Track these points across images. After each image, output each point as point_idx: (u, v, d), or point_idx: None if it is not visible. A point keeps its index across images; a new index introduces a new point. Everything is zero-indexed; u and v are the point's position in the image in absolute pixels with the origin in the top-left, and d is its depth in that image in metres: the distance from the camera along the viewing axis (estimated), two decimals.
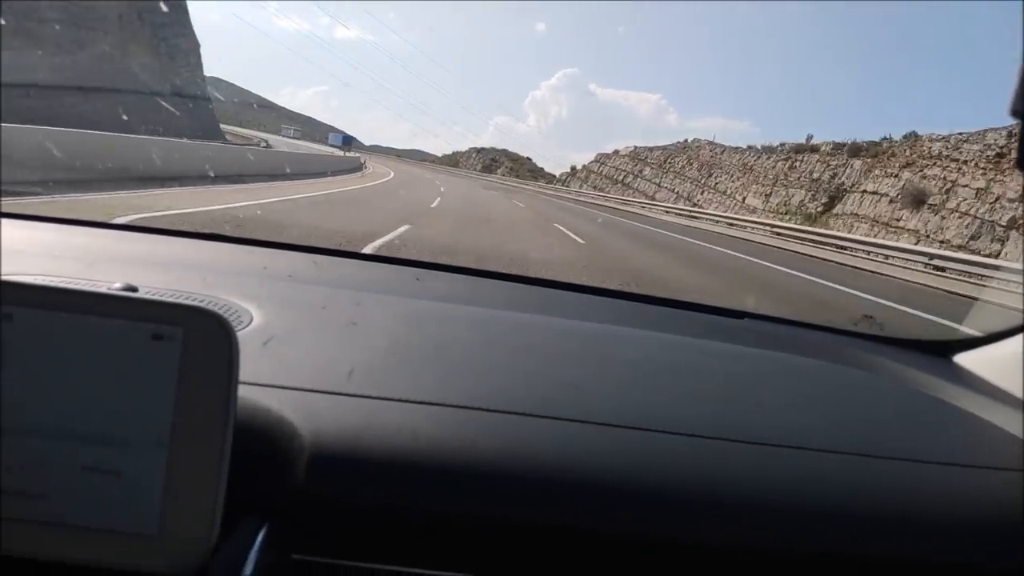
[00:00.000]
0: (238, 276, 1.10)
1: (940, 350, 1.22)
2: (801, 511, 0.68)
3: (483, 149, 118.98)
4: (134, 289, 0.86)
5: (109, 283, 0.88)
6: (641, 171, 52.72)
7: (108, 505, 0.55)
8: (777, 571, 0.66)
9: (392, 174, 33.70)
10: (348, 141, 73.54)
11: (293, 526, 0.61)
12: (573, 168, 70.02)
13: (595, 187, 56.64)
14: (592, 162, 64.54)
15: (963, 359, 1.17)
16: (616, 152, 60.94)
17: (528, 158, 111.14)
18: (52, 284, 0.59)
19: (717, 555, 0.65)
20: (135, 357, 0.55)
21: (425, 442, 0.67)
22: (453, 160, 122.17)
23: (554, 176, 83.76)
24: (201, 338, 0.56)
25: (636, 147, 58.04)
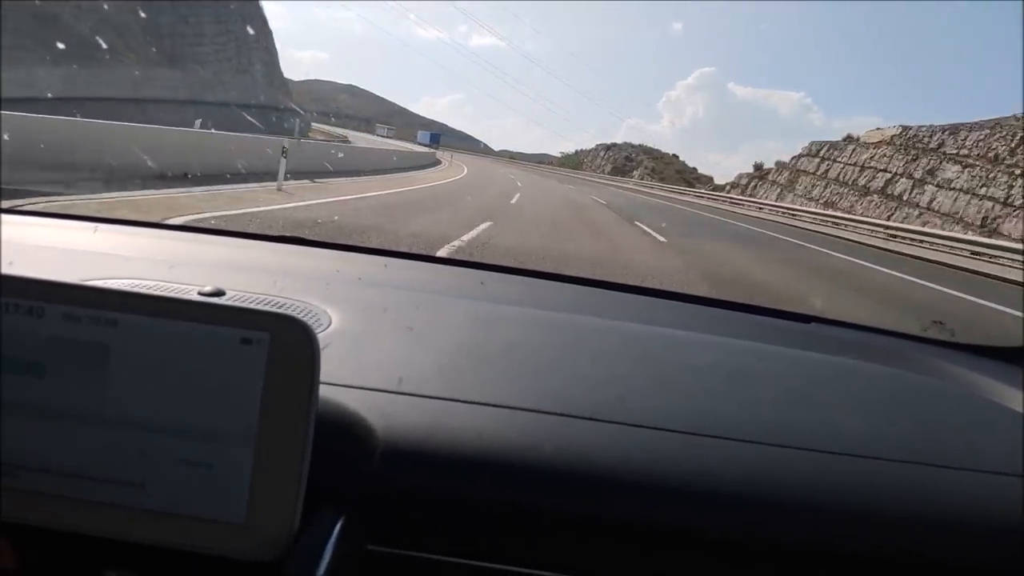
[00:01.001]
0: (315, 279, 1.15)
1: (1014, 357, 1.17)
2: (859, 517, 0.67)
3: (614, 145, 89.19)
4: (221, 292, 0.93)
5: (197, 286, 0.94)
6: (935, 168, 27.08)
7: (200, 495, 0.60)
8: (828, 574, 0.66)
9: (464, 171, 30.01)
10: (436, 139, 74.12)
11: (368, 518, 0.65)
12: (760, 168, 42.77)
13: (823, 201, 32.79)
14: (802, 157, 38.07)
15: None
16: (855, 140, 34.79)
17: (674, 155, 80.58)
18: (153, 292, 0.64)
19: (775, 556, 0.66)
20: (225, 360, 0.60)
21: (489, 442, 0.69)
22: (575, 161, 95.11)
23: (709, 180, 63.23)
24: (286, 342, 0.60)
25: (906, 127, 31.09)
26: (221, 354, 0.60)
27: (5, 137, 6.77)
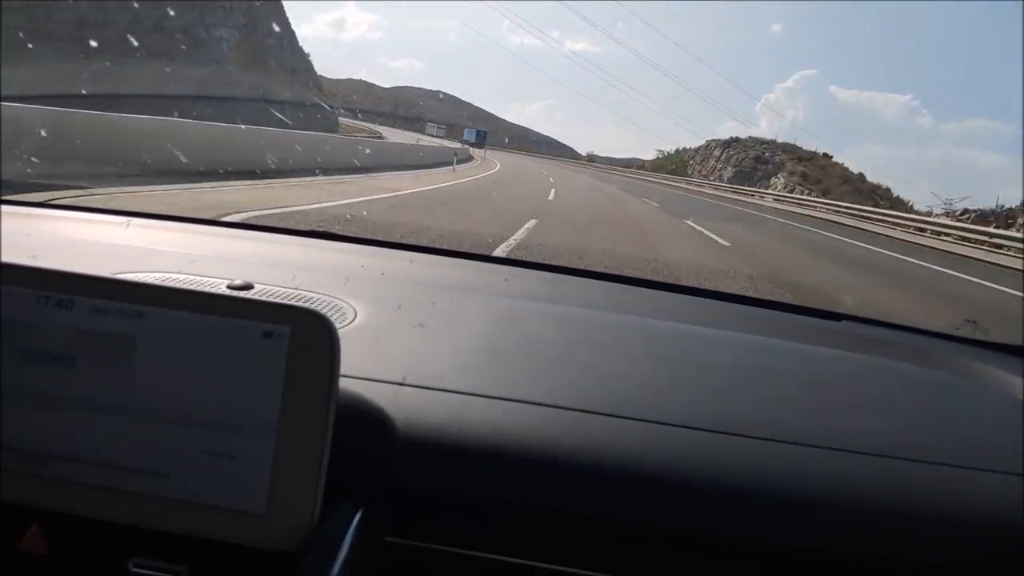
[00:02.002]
0: (342, 274, 1.16)
1: None
2: (883, 518, 0.67)
3: (735, 141, 56.55)
4: (250, 286, 0.94)
5: (226, 280, 0.96)
6: None
7: (223, 485, 0.61)
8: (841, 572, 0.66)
9: (496, 167, 27.56)
10: (483, 137, 73.00)
11: (386, 511, 0.65)
12: None
13: None
14: None
15: None
16: None
17: (826, 155, 49.71)
18: (178, 286, 0.65)
19: (793, 556, 0.66)
20: (248, 352, 0.60)
21: (506, 436, 0.70)
22: (676, 163, 62.32)
23: (884, 192, 38.84)
24: (307, 336, 0.61)
25: None
26: (243, 347, 0.61)
27: (42, 133, 6.94)
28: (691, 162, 61.62)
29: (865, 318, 1.34)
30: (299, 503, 0.60)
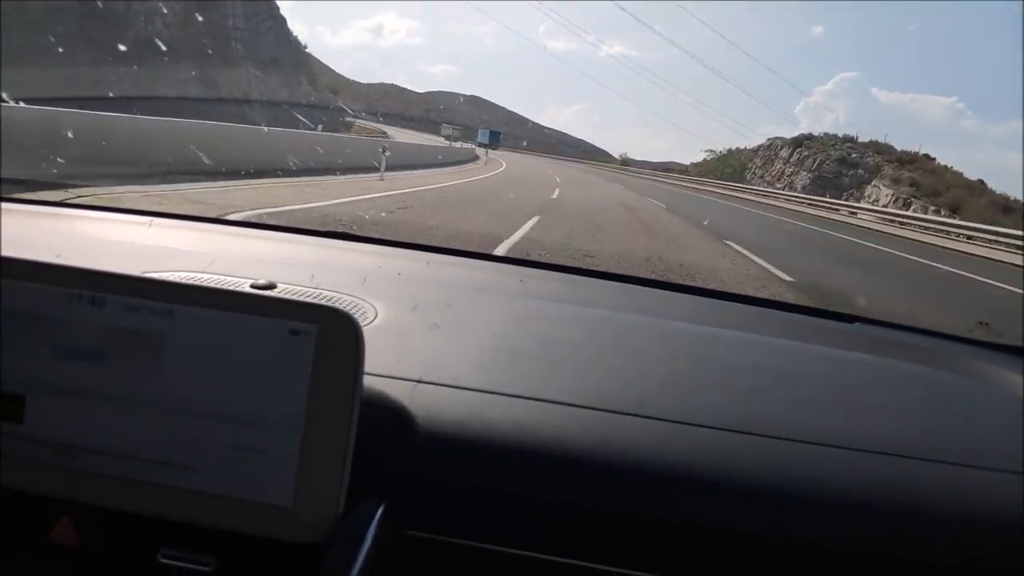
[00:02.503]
0: (362, 274, 1.18)
1: None
2: (895, 518, 0.68)
3: (809, 139, 44.81)
4: (273, 285, 0.96)
5: (250, 279, 0.98)
6: None
7: (250, 479, 0.62)
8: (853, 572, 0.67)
9: (502, 167, 26.52)
10: (496, 138, 71.56)
11: (408, 505, 0.67)
12: None
13: None
14: None
15: None
16: None
17: (931, 160, 36.42)
18: (208, 285, 0.67)
19: (807, 554, 0.66)
20: (275, 350, 0.62)
21: (526, 433, 0.71)
22: (732, 166, 50.00)
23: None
24: (332, 334, 0.62)
25: None
26: (271, 344, 0.62)
27: (67, 133, 7.07)
28: (751, 163, 49.02)
29: (878, 320, 1.34)
30: (324, 497, 0.62)
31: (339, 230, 1.54)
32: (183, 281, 0.66)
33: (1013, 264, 11.89)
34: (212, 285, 0.66)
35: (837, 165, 40.07)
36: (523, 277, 1.36)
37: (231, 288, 0.65)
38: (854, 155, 40.36)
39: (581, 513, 0.68)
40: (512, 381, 0.80)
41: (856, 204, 27.67)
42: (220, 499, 0.63)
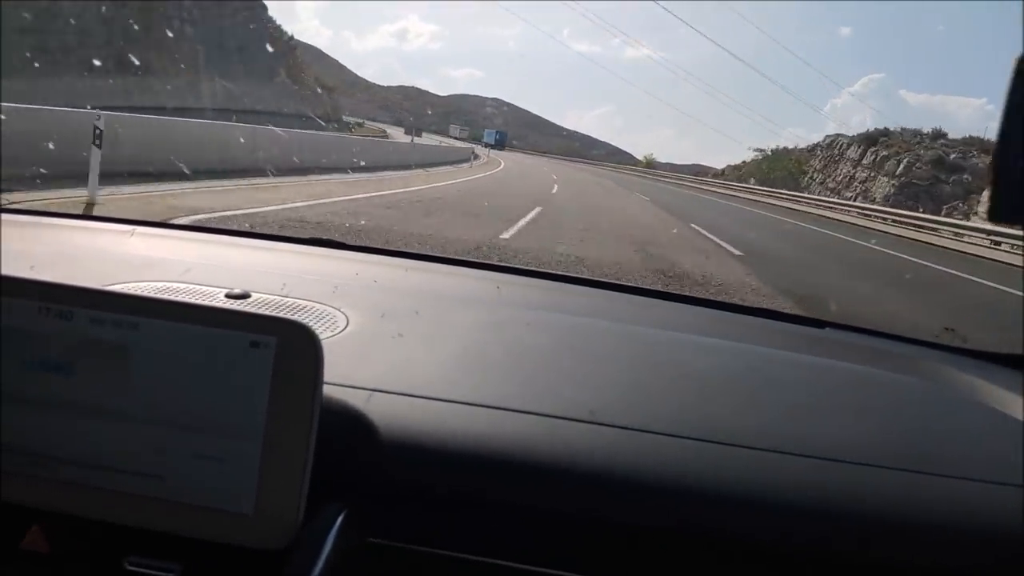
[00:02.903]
0: (337, 281, 1.19)
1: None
2: (859, 525, 0.69)
3: (885, 136, 35.19)
4: (247, 295, 0.98)
5: (225, 288, 1.00)
6: None
7: (213, 487, 0.64)
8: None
9: (499, 166, 25.50)
10: (503, 138, 68.52)
11: (369, 512, 0.69)
12: None
13: None
14: None
15: None
16: None
17: None
18: (170, 298, 0.69)
19: (769, 561, 0.68)
20: (236, 361, 0.64)
21: (488, 442, 0.73)
22: (787, 167, 41.46)
23: None
24: (292, 346, 0.64)
25: None
26: (232, 356, 0.64)
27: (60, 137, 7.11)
28: (809, 164, 40.36)
29: (848, 325, 1.37)
30: (285, 504, 0.64)
31: (323, 237, 1.55)
32: (147, 294, 0.68)
33: None
34: (175, 298, 0.68)
35: (932, 168, 31.41)
36: (501, 284, 1.38)
37: (192, 301, 0.67)
38: (953, 155, 31.33)
39: (543, 520, 0.69)
40: (478, 390, 0.82)
41: (980, 226, 17.40)
42: (184, 507, 0.64)
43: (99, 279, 1.01)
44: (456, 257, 1.57)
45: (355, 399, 0.75)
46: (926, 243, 15.82)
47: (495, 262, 1.74)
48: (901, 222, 20.34)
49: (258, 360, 0.64)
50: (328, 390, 0.67)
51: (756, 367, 1.06)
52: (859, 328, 1.37)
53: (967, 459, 0.82)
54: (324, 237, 1.56)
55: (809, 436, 0.82)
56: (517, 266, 1.56)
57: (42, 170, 6.73)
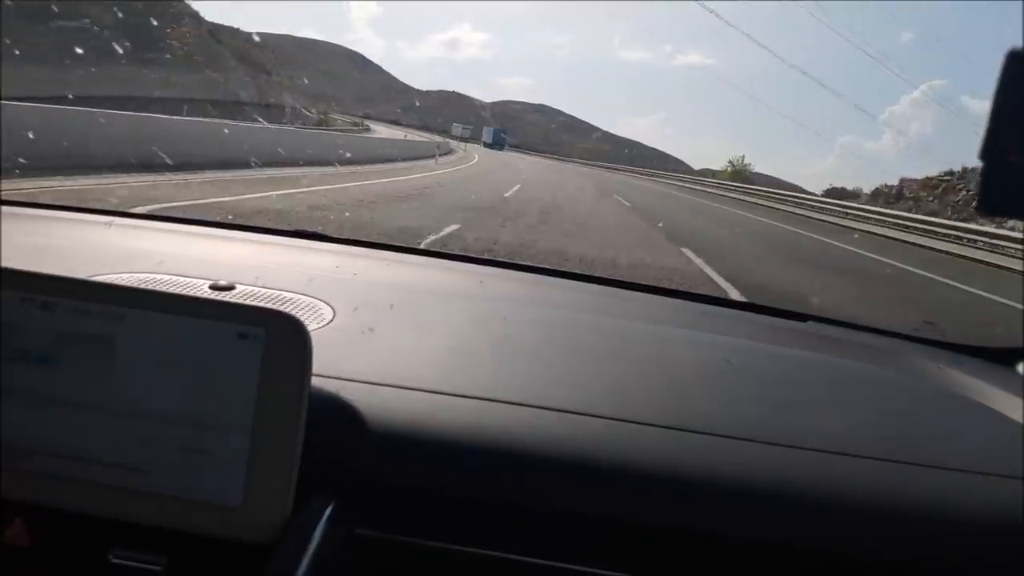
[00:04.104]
0: (323, 274, 1.19)
1: (1005, 358, 1.19)
2: (837, 515, 0.70)
3: None
4: (232, 287, 0.97)
5: (210, 280, 0.99)
6: None
7: (200, 480, 0.64)
8: (807, 573, 0.69)
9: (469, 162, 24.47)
10: (500, 137, 66.96)
11: (357, 504, 0.69)
12: None
13: None
14: None
15: None
16: None
17: None
18: (157, 289, 0.68)
19: (751, 551, 0.69)
20: (224, 353, 0.64)
21: (474, 433, 0.73)
22: None
23: None
24: (280, 337, 0.64)
25: None
26: (220, 348, 0.64)
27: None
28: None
29: (829, 319, 1.38)
30: (273, 497, 0.64)
31: (304, 229, 1.54)
32: (133, 285, 0.67)
33: None
34: (161, 289, 0.67)
35: None
36: (485, 277, 1.38)
37: (179, 292, 0.67)
38: None
39: (528, 510, 0.70)
40: (464, 382, 0.82)
41: None
42: (171, 500, 0.64)
43: (82, 270, 1.00)
44: (440, 251, 1.57)
45: (345, 390, 0.75)
46: None
47: (480, 255, 1.74)
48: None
49: (246, 352, 0.63)
50: (315, 382, 0.67)
51: (738, 359, 1.06)
52: (840, 321, 1.38)
53: (947, 449, 0.84)
54: (309, 229, 1.54)
55: (791, 427, 0.83)
56: (500, 259, 1.56)
57: None
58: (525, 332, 1.04)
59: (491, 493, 0.70)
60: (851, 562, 0.68)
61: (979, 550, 0.69)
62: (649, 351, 1.05)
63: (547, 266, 1.55)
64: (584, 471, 0.71)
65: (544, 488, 0.70)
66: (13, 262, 0.67)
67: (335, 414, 0.73)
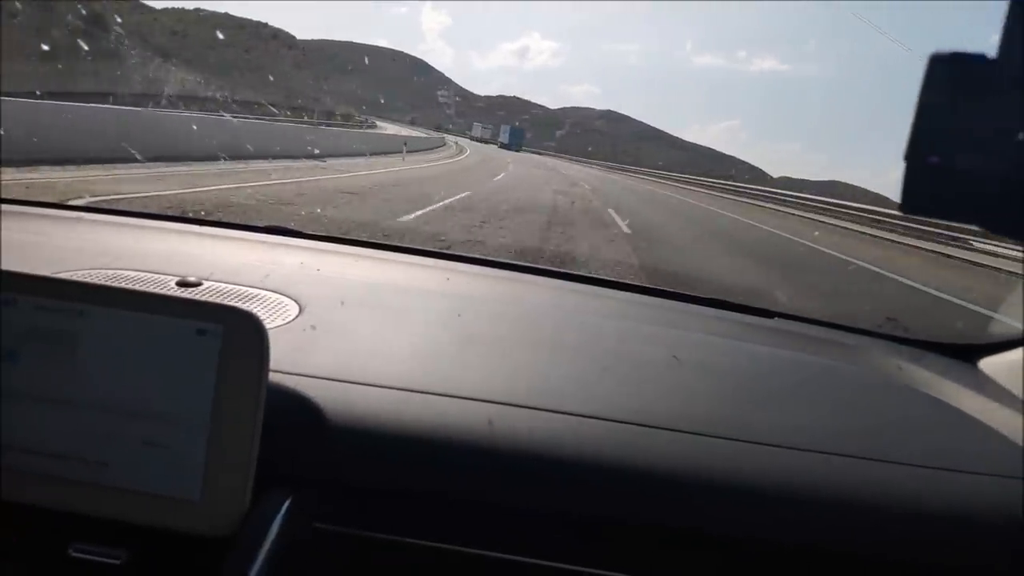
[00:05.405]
0: (290, 269, 1.20)
1: (965, 354, 1.21)
2: (800, 510, 0.72)
3: None
4: (199, 283, 0.98)
5: (177, 276, 0.99)
6: None
7: (159, 474, 0.65)
8: (768, 565, 0.71)
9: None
10: (517, 136, 61.75)
11: (315, 499, 0.70)
12: None
13: None
14: None
15: (987, 364, 1.16)
16: None
17: None
18: (117, 285, 0.69)
19: (714, 547, 0.71)
20: (183, 348, 0.65)
21: (432, 429, 0.74)
22: None
23: None
24: (238, 334, 0.65)
25: None
26: (179, 343, 0.65)
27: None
28: None
29: (795, 316, 1.40)
30: (231, 491, 0.65)
31: (278, 225, 1.54)
32: (93, 282, 0.68)
33: None
34: (122, 285, 0.68)
35: None
36: (452, 273, 1.39)
37: (139, 289, 0.67)
38: None
39: (487, 504, 0.71)
40: (427, 378, 0.83)
41: None
42: (130, 493, 0.65)
43: (50, 267, 1.00)
44: (408, 246, 1.57)
45: (306, 386, 0.76)
46: None
47: (448, 251, 1.74)
48: None
49: (204, 348, 0.64)
50: (276, 378, 0.68)
51: (708, 355, 1.08)
52: (806, 318, 1.40)
53: (906, 444, 0.86)
54: (281, 225, 1.55)
55: (754, 423, 0.84)
56: (468, 255, 1.57)
57: None
58: (489, 328, 1.05)
59: (450, 488, 0.72)
60: (810, 553, 0.71)
61: (933, 542, 0.72)
62: (614, 347, 1.06)
63: (513, 261, 1.56)
64: (545, 466, 0.73)
65: (504, 483, 0.72)
66: None
67: (296, 409, 0.74)
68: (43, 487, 0.65)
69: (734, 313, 1.40)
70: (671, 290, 1.49)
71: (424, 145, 29.92)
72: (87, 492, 0.65)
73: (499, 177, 18.56)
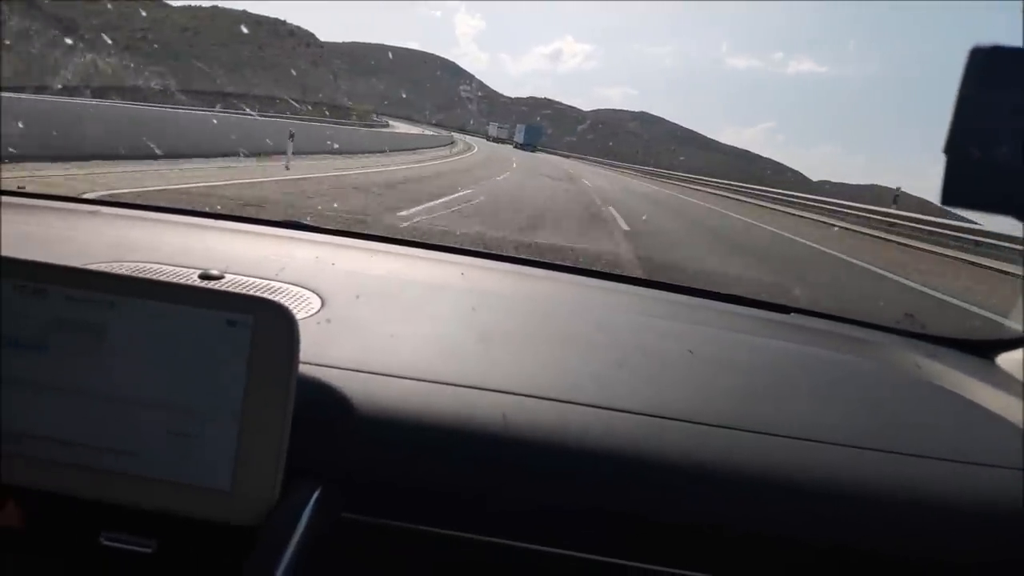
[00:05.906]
0: (310, 263, 1.20)
1: (983, 350, 1.21)
2: (818, 502, 0.72)
3: None
4: (221, 276, 0.98)
5: (199, 269, 1.00)
6: None
7: (190, 464, 0.65)
8: (786, 559, 0.71)
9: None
10: (533, 135, 59.62)
11: (343, 489, 0.70)
12: None
13: None
14: None
15: (1005, 359, 1.16)
16: None
17: None
18: (148, 276, 0.69)
19: (729, 538, 0.71)
20: (213, 340, 0.65)
21: (458, 421, 0.75)
22: None
23: None
24: (268, 325, 0.65)
25: None
26: (209, 335, 0.65)
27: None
28: None
29: (811, 311, 1.40)
30: (261, 481, 0.65)
31: (292, 220, 1.55)
32: (124, 273, 0.68)
33: None
34: (152, 277, 0.68)
35: None
36: (466, 268, 1.39)
37: (170, 280, 0.68)
38: None
39: (515, 494, 0.71)
40: (451, 370, 0.84)
41: None
42: (160, 483, 0.65)
43: (73, 259, 1.00)
44: (423, 241, 1.57)
45: (333, 378, 0.76)
46: None
47: (465, 247, 1.74)
48: None
49: (235, 339, 0.65)
50: (303, 369, 0.68)
51: (723, 350, 1.08)
52: (823, 314, 1.40)
53: (926, 439, 0.85)
54: (295, 220, 1.55)
55: (771, 415, 0.84)
56: (481, 250, 1.57)
57: None
58: (505, 321, 1.06)
59: (476, 478, 0.72)
60: (830, 548, 0.70)
61: (954, 535, 0.71)
62: (633, 341, 1.07)
63: (527, 257, 1.56)
64: (568, 457, 0.73)
65: (528, 473, 0.72)
66: (5, 250, 0.68)
67: (323, 401, 0.74)
68: (75, 477, 0.66)
69: (750, 309, 1.39)
70: (685, 285, 1.48)
71: (424, 144, 29.70)
72: (118, 482, 0.66)
73: (466, 192, 12.07)
